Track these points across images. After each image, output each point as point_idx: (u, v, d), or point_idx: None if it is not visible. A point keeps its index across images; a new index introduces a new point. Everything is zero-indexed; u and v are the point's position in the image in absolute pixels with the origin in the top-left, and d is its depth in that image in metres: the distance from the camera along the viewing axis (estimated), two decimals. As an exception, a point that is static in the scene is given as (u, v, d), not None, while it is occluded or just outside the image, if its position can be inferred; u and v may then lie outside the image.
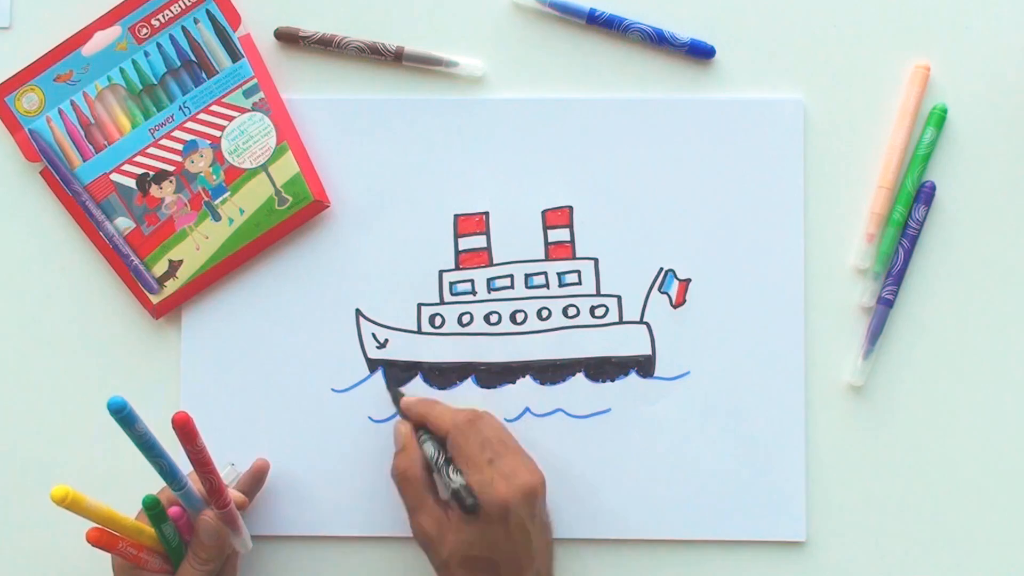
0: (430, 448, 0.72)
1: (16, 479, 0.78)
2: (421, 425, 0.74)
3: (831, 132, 0.78)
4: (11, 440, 0.78)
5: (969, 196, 0.78)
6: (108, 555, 0.68)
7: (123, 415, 0.58)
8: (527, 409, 0.77)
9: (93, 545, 0.63)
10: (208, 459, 0.63)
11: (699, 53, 0.78)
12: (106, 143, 0.78)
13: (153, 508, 0.65)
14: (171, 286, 0.78)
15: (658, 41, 0.78)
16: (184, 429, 0.60)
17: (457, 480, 0.69)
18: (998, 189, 0.78)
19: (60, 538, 0.77)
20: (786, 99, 0.78)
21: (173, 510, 0.67)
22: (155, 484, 0.66)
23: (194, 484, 0.67)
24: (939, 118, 0.77)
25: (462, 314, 0.78)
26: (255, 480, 0.75)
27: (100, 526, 0.64)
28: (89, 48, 0.78)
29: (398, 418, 0.75)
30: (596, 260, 0.78)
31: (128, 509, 0.68)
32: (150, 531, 0.67)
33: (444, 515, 0.70)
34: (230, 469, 0.75)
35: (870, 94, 0.78)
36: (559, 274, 0.78)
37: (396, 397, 0.77)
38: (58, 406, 0.78)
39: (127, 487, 0.71)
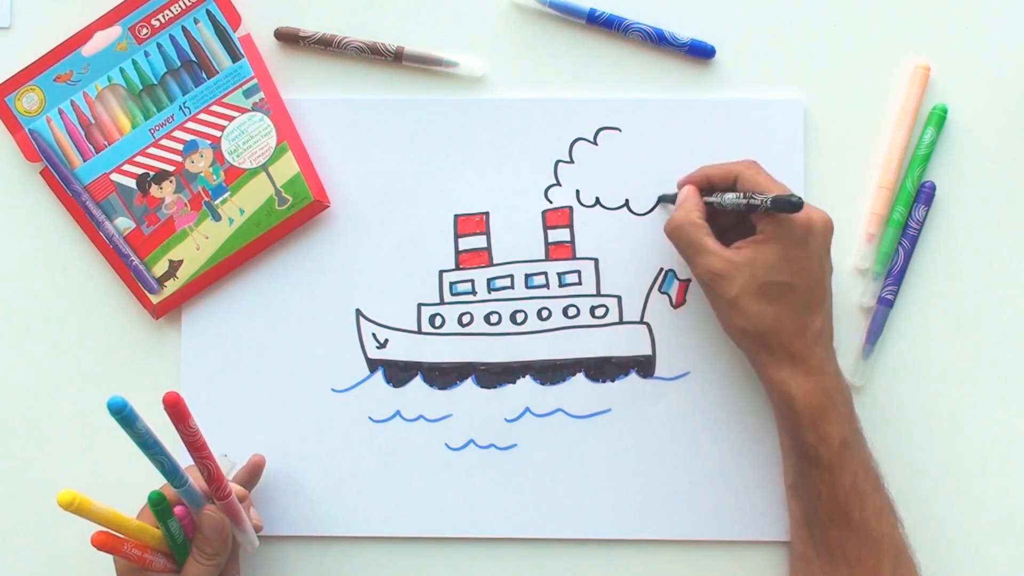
0: (730, 194, 0.71)
1: (16, 479, 0.78)
2: (707, 186, 0.74)
3: (831, 132, 0.78)
4: (12, 440, 0.78)
5: (969, 196, 0.78)
6: (111, 555, 0.68)
7: (123, 415, 0.58)
8: (527, 409, 0.77)
9: (98, 549, 0.63)
10: (203, 442, 0.63)
11: (699, 53, 0.78)
12: (106, 143, 0.78)
13: (159, 503, 0.65)
14: (171, 286, 0.78)
15: (658, 41, 0.78)
16: (175, 408, 0.60)
17: (768, 193, 0.69)
18: (998, 189, 0.78)
19: (62, 538, 0.77)
20: (786, 99, 0.78)
21: (177, 509, 0.67)
22: (156, 483, 0.66)
23: (195, 482, 0.67)
24: (939, 118, 0.77)
25: (462, 314, 0.78)
26: (251, 475, 0.75)
27: (104, 529, 0.64)
28: (89, 48, 0.78)
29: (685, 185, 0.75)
30: (596, 260, 0.78)
31: (129, 508, 0.68)
32: (154, 532, 0.67)
33: (731, 252, 0.70)
34: (224, 460, 0.75)
35: (870, 94, 0.78)
36: (559, 274, 0.78)
37: (664, 198, 0.77)
38: (58, 406, 0.78)
39: (128, 486, 0.71)
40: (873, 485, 0.70)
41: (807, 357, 0.69)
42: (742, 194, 0.70)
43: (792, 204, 0.67)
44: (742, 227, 0.73)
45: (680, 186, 0.75)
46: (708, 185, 0.74)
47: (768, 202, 0.68)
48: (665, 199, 0.77)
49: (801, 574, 0.72)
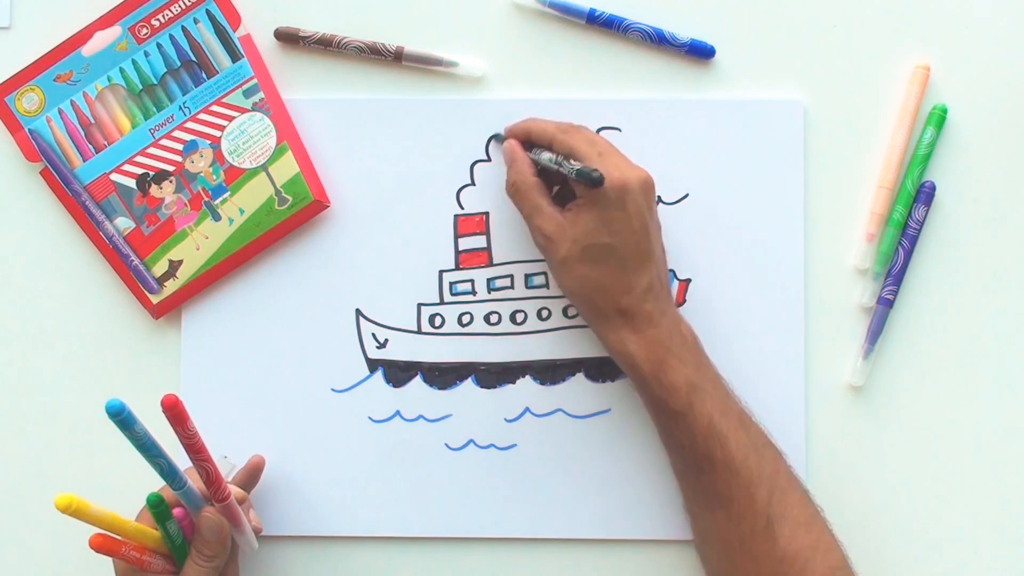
0: (546, 153, 0.72)
1: (16, 479, 0.78)
2: (526, 140, 0.75)
3: (831, 132, 0.78)
4: (11, 440, 0.78)
5: (969, 196, 0.78)
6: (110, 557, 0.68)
7: (121, 418, 0.58)
8: (527, 409, 0.77)
9: (96, 551, 0.63)
10: (201, 445, 0.63)
11: (699, 53, 0.78)
12: (106, 143, 0.78)
13: (158, 506, 0.65)
14: (171, 286, 0.78)
15: (658, 41, 0.78)
16: (173, 411, 0.60)
17: (577, 163, 0.69)
18: (998, 189, 0.78)
19: (61, 539, 0.77)
20: (786, 99, 0.78)
21: (176, 511, 0.67)
22: (155, 485, 0.66)
23: (194, 484, 0.67)
24: (939, 118, 0.77)
25: (462, 314, 0.78)
26: (251, 476, 0.75)
27: (102, 531, 0.64)
28: (89, 48, 0.78)
29: (508, 140, 0.76)
30: (596, 260, 0.78)
31: (128, 509, 0.68)
32: (153, 533, 0.67)
33: (561, 215, 0.71)
34: (224, 461, 0.75)
35: (870, 94, 0.78)
36: (559, 274, 0.78)
37: (495, 137, 0.77)
38: (58, 406, 0.78)
39: (127, 487, 0.71)
40: (735, 423, 0.70)
41: (637, 313, 0.70)
42: (555, 157, 0.71)
43: (592, 179, 0.67)
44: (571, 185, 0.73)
45: (508, 133, 0.76)
46: (527, 139, 0.75)
47: (573, 173, 0.69)
48: (496, 137, 0.77)
49: (695, 530, 0.73)
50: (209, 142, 0.78)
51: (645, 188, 0.70)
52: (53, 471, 0.78)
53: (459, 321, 0.78)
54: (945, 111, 0.77)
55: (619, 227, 0.69)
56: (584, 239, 0.69)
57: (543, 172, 0.73)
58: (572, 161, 0.70)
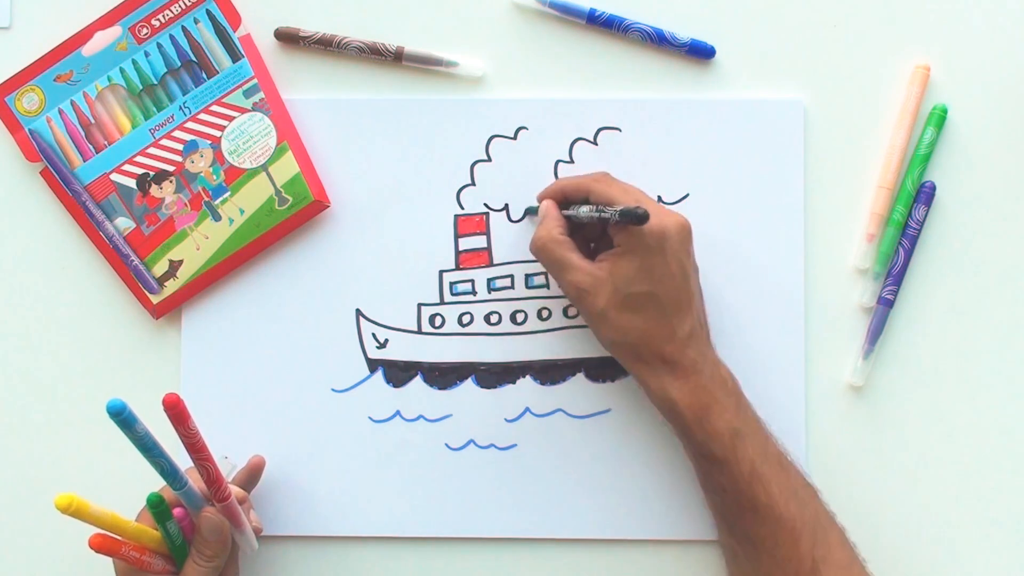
0: (584, 207, 0.71)
1: (16, 479, 0.78)
2: (562, 199, 0.74)
3: (831, 132, 0.78)
4: (11, 440, 0.78)
5: (969, 196, 0.78)
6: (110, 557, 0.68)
7: (122, 418, 0.58)
8: (527, 409, 0.77)
9: (96, 551, 0.63)
10: (202, 444, 0.63)
11: (699, 53, 0.78)
12: (106, 143, 0.78)
13: (158, 505, 0.65)
14: (171, 286, 0.78)
15: (658, 41, 0.78)
16: (175, 410, 0.60)
17: (620, 206, 0.68)
18: (998, 189, 0.78)
19: (61, 539, 0.77)
20: (786, 99, 0.78)
21: (176, 511, 0.67)
22: (155, 484, 0.66)
23: (195, 484, 0.67)
24: (939, 118, 0.77)
25: (462, 314, 0.78)
26: (251, 477, 0.75)
27: (102, 531, 0.64)
28: (89, 48, 0.78)
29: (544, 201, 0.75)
30: (596, 260, 0.78)
31: (128, 509, 0.68)
32: (153, 533, 0.67)
33: (594, 266, 0.70)
34: (224, 461, 0.75)
35: (870, 94, 0.78)
36: (559, 274, 0.78)
37: (530, 210, 0.77)
38: (58, 406, 0.78)
39: (127, 487, 0.71)
40: (775, 467, 0.70)
41: (680, 360, 0.69)
42: (595, 207, 0.70)
43: (638, 217, 0.66)
44: (609, 237, 0.72)
45: (539, 200, 0.75)
46: (563, 199, 0.74)
47: (616, 215, 0.67)
48: (531, 211, 0.77)
49: (732, 567, 0.73)
50: (209, 142, 0.78)
51: (682, 233, 0.70)
52: (53, 471, 0.78)
53: (459, 321, 0.78)
54: (945, 111, 0.77)
55: (660, 274, 0.69)
56: (625, 287, 0.69)
57: (577, 230, 0.73)
58: (613, 206, 0.69)
